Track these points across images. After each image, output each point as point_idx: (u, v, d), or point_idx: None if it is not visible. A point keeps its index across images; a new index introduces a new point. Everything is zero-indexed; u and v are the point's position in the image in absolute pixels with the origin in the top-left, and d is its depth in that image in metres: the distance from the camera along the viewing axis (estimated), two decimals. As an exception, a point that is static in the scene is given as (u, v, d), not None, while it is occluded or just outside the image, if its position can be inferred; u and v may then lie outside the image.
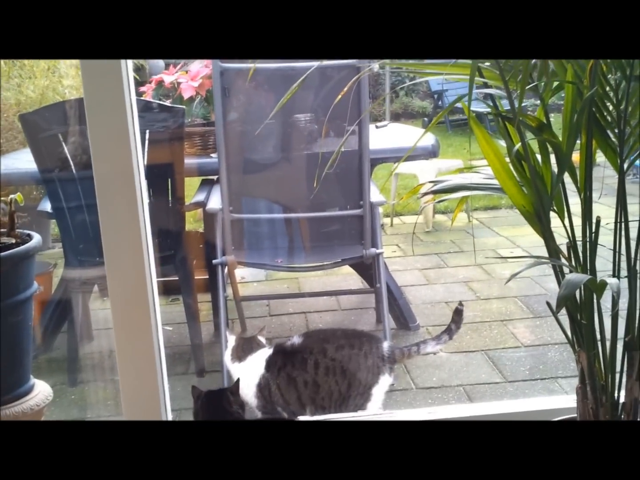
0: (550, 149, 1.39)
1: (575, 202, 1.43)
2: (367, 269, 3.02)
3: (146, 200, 1.76)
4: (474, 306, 3.36)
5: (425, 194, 1.56)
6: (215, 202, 2.75)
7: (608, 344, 1.43)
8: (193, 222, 4.17)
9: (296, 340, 2.13)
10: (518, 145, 1.34)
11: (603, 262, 1.45)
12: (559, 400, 1.86)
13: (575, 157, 1.40)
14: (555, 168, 1.40)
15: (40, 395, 1.43)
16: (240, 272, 3.72)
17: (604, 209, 1.43)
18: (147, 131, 2.54)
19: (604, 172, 1.52)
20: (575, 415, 1.49)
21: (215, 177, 3.00)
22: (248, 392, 2.10)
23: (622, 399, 1.44)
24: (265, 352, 2.15)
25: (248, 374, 2.12)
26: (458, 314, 2.13)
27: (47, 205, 2.74)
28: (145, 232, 1.74)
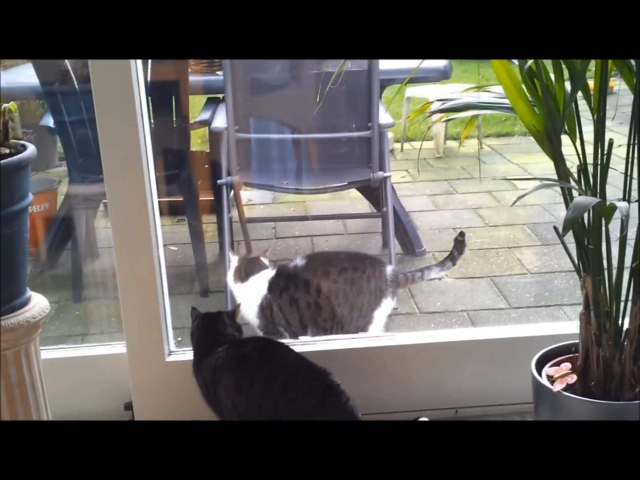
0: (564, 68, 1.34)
1: (587, 130, 1.38)
2: (375, 192, 2.98)
3: (147, 117, 1.71)
4: (481, 233, 3.32)
5: (434, 112, 1.51)
6: (220, 120, 2.69)
7: (614, 271, 1.40)
8: (201, 144, 4.11)
9: (299, 262, 2.11)
10: (530, 62, 1.28)
11: (614, 191, 1.41)
12: (563, 326, 1.84)
13: (590, 84, 1.35)
14: (569, 88, 1.34)
15: (36, 307, 1.42)
16: (247, 195, 3.69)
17: (619, 137, 1.38)
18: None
19: (619, 100, 1.47)
20: (578, 340, 1.48)
21: (220, 96, 2.94)
22: (250, 312, 2.10)
23: (625, 326, 1.43)
24: (268, 273, 2.14)
25: (250, 295, 2.12)
26: (460, 241, 2.11)
27: (49, 121, 2.69)
28: (145, 150, 1.70)
